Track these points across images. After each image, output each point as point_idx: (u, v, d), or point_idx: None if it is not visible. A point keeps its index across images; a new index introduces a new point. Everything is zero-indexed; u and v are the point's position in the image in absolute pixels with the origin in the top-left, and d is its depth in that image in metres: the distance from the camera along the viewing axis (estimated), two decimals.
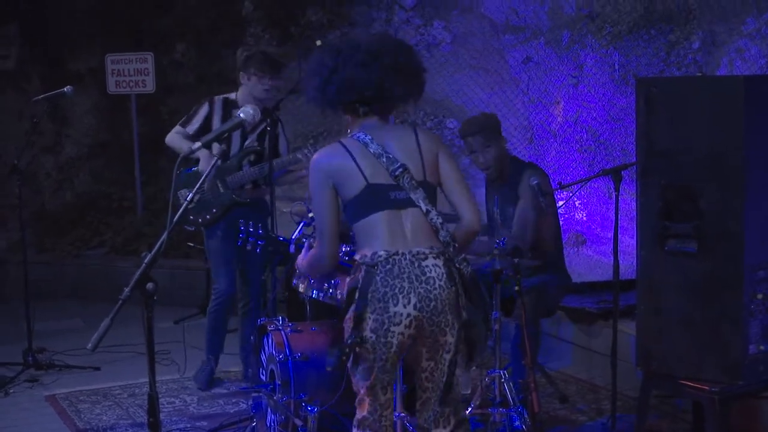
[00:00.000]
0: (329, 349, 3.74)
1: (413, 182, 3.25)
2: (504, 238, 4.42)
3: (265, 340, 4.52)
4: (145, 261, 2.81)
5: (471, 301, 3.29)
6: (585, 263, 6.89)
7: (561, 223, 5.26)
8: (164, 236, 2.92)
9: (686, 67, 6.97)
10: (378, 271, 3.17)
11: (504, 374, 4.38)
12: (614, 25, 7.37)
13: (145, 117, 8.86)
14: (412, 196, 3.24)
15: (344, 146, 3.29)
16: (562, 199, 5.49)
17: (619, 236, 4.55)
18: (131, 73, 8.50)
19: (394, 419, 3.53)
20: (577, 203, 7.50)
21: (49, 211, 9.30)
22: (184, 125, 5.47)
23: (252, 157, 5.46)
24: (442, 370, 3.27)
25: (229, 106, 5.42)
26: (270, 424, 4.43)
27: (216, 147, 3.33)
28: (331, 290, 4.38)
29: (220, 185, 5.44)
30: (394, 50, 3.30)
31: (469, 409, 4.41)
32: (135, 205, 8.83)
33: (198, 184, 3.27)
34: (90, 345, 2.71)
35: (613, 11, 7.38)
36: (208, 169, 3.54)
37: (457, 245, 3.29)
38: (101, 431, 4.95)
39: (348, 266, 3.84)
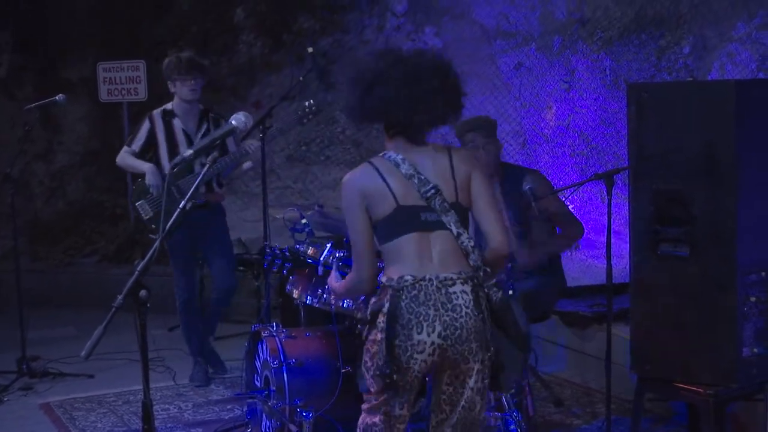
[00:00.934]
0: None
1: (445, 204, 3.17)
2: None
3: (260, 346, 4.52)
4: (138, 268, 2.81)
5: (500, 328, 3.22)
6: (578, 267, 6.89)
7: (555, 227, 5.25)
8: (156, 244, 2.95)
9: (677, 71, 6.97)
10: (404, 297, 3.10)
11: None
12: (605, 30, 7.37)
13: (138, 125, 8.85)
14: (444, 218, 3.16)
15: (374, 166, 3.22)
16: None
17: (612, 240, 4.55)
18: (123, 81, 8.50)
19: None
20: (569, 207, 7.48)
21: (42, 219, 9.29)
22: (129, 144, 5.75)
23: (203, 159, 5.48)
24: (461, 394, 3.21)
25: (168, 116, 5.65)
26: (265, 430, 4.43)
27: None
28: (325, 296, 4.38)
29: (174, 191, 5.53)
30: (438, 71, 3.20)
31: None
32: (128, 213, 8.78)
33: (192, 189, 3.26)
34: (84, 353, 2.70)
35: (603, 16, 7.39)
36: (202, 173, 3.58)
37: (488, 270, 3.21)
38: None
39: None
